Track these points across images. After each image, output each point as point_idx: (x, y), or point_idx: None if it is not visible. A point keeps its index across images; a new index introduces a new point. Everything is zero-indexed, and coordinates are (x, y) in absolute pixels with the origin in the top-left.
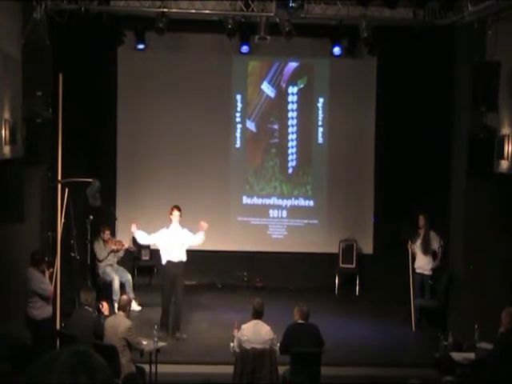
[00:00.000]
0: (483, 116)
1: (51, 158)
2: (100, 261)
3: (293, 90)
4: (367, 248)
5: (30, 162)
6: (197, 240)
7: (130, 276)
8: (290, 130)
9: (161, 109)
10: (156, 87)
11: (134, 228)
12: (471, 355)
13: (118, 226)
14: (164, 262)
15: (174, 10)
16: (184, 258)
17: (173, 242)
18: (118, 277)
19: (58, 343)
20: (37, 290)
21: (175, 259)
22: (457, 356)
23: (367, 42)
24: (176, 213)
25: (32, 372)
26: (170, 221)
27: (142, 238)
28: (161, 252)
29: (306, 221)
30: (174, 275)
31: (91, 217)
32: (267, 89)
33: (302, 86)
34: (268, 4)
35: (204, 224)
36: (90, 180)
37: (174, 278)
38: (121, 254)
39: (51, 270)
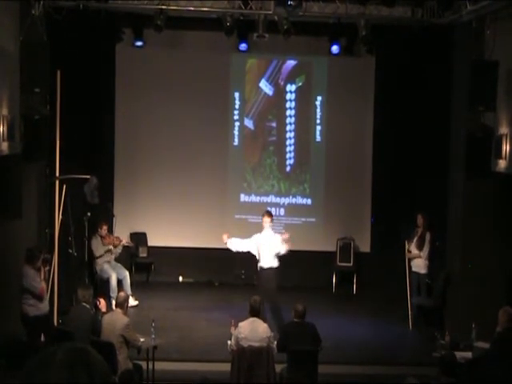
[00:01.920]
0: (481, 115)
1: (49, 155)
2: (97, 257)
3: (291, 88)
4: (364, 246)
5: (28, 158)
6: (282, 249)
7: (127, 273)
8: (288, 128)
9: (159, 106)
10: (154, 84)
11: (225, 239)
12: (468, 354)
13: (115, 223)
14: (259, 267)
15: (172, 8)
16: (274, 265)
17: (264, 247)
18: (116, 274)
19: (54, 340)
20: (28, 288)
21: (266, 265)
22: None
23: (365, 41)
24: (267, 219)
25: (30, 369)
26: (262, 227)
27: (236, 245)
28: (257, 258)
29: (303, 219)
30: (265, 282)
31: (89, 214)
32: (265, 87)
33: (300, 84)
34: (266, 2)
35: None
36: (88, 177)
37: (264, 284)
38: (118, 250)
39: (47, 267)
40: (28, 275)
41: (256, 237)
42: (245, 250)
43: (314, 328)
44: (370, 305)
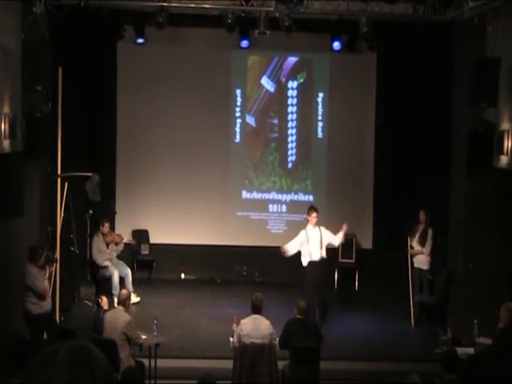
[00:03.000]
0: (483, 111)
1: (51, 153)
2: (98, 265)
3: (292, 84)
4: (366, 243)
5: (30, 156)
6: (336, 240)
7: (129, 270)
8: (290, 124)
9: (160, 103)
10: (155, 82)
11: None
12: (470, 350)
13: (117, 220)
14: (305, 263)
15: (173, 5)
16: (325, 256)
17: (313, 242)
18: (118, 271)
19: (56, 338)
20: (31, 286)
21: (317, 258)
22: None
23: (367, 38)
24: (314, 214)
25: (31, 368)
26: (307, 221)
27: (293, 249)
28: (302, 254)
29: (305, 216)
30: (319, 274)
31: (91, 211)
32: (267, 83)
33: (301, 80)
34: None
35: (345, 226)
36: (90, 174)
37: (318, 277)
38: (120, 247)
39: (52, 268)
40: (31, 273)
41: (303, 233)
42: (298, 250)
43: (316, 324)
44: (372, 301)
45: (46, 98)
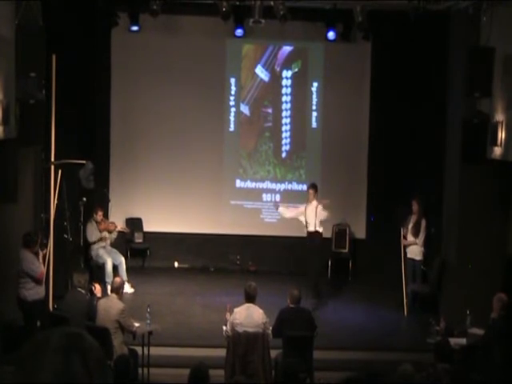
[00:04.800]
0: (477, 102)
1: (44, 140)
2: (91, 243)
3: (287, 73)
4: (360, 233)
5: (24, 143)
6: (323, 215)
7: (123, 258)
8: (284, 114)
9: (154, 91)
10: (150, 69)
11: (279, 207)
12: (463, 341)
13: (111, 208)
14: (307, 232)
15: None
16: (320, 229)
17: (309, 214)
18: (111, 259)
19: (49, 325)
20: (27, 271)
21: (312, 229)
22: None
23: (362, 27)
24: (310, 191)
25: (24, 354)
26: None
27: (286, 212)
28: (303, 224)
29: (298, 205)
30: (313, 245)
31: (84, 199)
32: (261, 72)
33: (296, 70)
34: None
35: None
36: (84, 162)
37: (312, 247)
38: (114, 235)
39: (44, 251)
40: (26, 259)
41: (303, 206)
42: (294, 216)
43: (310, 313)
44: (366, 291)
45: (40, 84)
